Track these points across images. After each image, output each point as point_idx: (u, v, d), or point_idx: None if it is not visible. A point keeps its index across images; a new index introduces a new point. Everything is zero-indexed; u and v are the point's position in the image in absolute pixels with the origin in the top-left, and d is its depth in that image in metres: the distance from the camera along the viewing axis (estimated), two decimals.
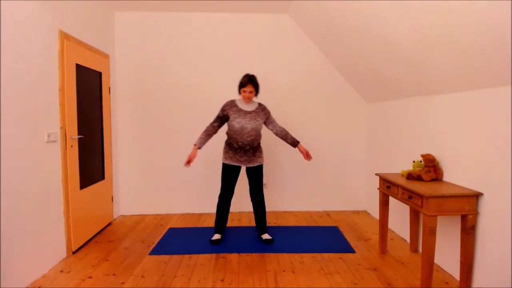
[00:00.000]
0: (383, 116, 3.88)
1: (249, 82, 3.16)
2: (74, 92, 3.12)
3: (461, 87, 2.42)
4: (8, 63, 2.31)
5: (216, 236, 3.32)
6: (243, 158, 3.24)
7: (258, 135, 3.26)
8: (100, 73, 3.75)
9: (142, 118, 4.30)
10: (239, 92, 3.24)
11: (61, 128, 2.91)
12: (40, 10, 2.66)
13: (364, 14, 2.80)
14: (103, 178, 3.80)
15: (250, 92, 3.17)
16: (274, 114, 4.35)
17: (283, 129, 3.36)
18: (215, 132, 3.27)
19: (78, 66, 3.22)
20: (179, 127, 4.32)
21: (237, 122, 3.18)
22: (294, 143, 3.33)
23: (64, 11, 3.00)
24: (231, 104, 3.25)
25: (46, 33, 2.74)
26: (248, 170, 3.32)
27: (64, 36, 2.96)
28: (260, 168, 3.33)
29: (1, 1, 2.24)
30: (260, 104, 3.32)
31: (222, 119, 3.24)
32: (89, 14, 3.51)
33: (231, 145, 3.25)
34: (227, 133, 3.29)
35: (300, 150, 3.32)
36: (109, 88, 3.98)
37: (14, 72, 2.37)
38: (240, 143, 3.20)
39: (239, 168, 3.30)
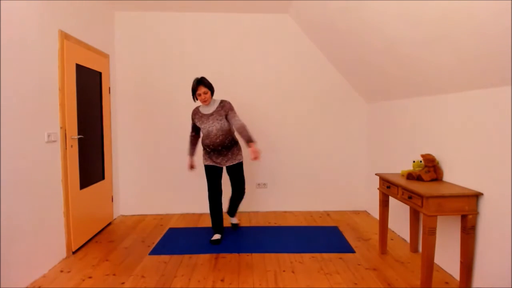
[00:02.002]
0: (383, 116, 3.88)
1: (199, 84, 3.11)
2: (74, 92, 3.12)
3: (461, 87, 2.42)
4: (8, 63, 2.31)
5: (216, 236, 3.32)
6: (219, 159, 3.29)
7: (227, 134, 3.23)
8: (100, 73, 3.75)
9: (142, 118, 4.30)
10: (195, 99, 3.23)
11: (61, 128, 2.91)
12: (40, 10, 2.66)
13: (364, 14, 2.80)
14: (103, 178, 3.80)
15: (205, 93, 3.13)
16: (273, 114, 4.39)
17: (241, 125, 3.09)
18: (196, 139, 3.47)
19: (78, 66, 3.22)
20: (179, 127, 4.31)
21: (203, 128, 3.25)
22: (248, 141, 3.05)
23: (64, 11, 3.00)
24: (195, 111, 3.31)
25: (46, 33, 2.74)
26: (228, 169, 3.36)
27: (64, 36, 2.96)
28: (238, 165, 3.35)
29: (1, 1, 2.24)
30: (220, 102, 3.22)
31: (194, 127, 3.40)
32: (89, 14, 3.51)
33: (205, 149, 3.33)
34: (201, 138, 3.39)
35: (251, 149, 3.00)
36: (109, 88, 3.98)
37: (14, 72, 2.37)
38: (211, 146, 3.24)
39: (219, 168, 3.33)
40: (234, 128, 3.21)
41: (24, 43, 2.47)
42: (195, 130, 3.43)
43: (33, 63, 2.58)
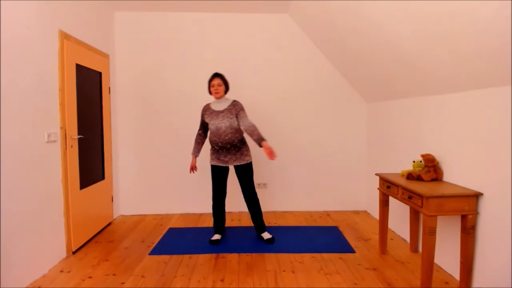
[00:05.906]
0: (383, 116, 3.88)
1: (216, 76, 3.22)
2: (74, 92, 3.12)
3: (461, 87, 2.42)
4: (8, 63, 2.31)
5: (216, 236, 3.33)
6: (227, 158, 3.23)
7: (236, 132, 3.22)
8: (100, 73, 3.75)
9: (142, 118, 4.30)
10: (210, 92, 3.28)
11: (61, 128, 2.91)
12: (40, 10, 2.66)
13: (364, 14, 2.80)
14: (103, 178, 3.80)
15: (218, 85, 3.19)
16: (273, 114, 4.39)
17: (251, 125, 3.14)
18: (203, 138, 3.42)
19: (78, 66, 3.22)
20: (179, 127, 4.32)
21: (211, 124, 3.23)
22: (259, 140, 3.07)
23: (64, 11, 3.00)
24: (205, 108, 3.33)
25: (46, 33, 2.74)
26: (236, 169, 3.29)
27: (64, 36, 2.96)
28: (248, 166, 3.27)
29: (1, 1, 2.24)
30: (233, 101, 3.27)
31: (203, 124, 3.38)
32: (89, 14, 3.51)
33: (213, 147, 3.29)
34: (208, 136, 3.35)
35: (264, 148, 3.05)
36: (109, 88, 3.98)
37: (14, 72, 2.37)
38: (219, 143, 3.20)
39: (226, 168, 3.30)
40: (243, 128, 3.18)
41: (24, 43, 2.47)
42: (203, 128, 3.37)
43: (33, 63, 2.58)
